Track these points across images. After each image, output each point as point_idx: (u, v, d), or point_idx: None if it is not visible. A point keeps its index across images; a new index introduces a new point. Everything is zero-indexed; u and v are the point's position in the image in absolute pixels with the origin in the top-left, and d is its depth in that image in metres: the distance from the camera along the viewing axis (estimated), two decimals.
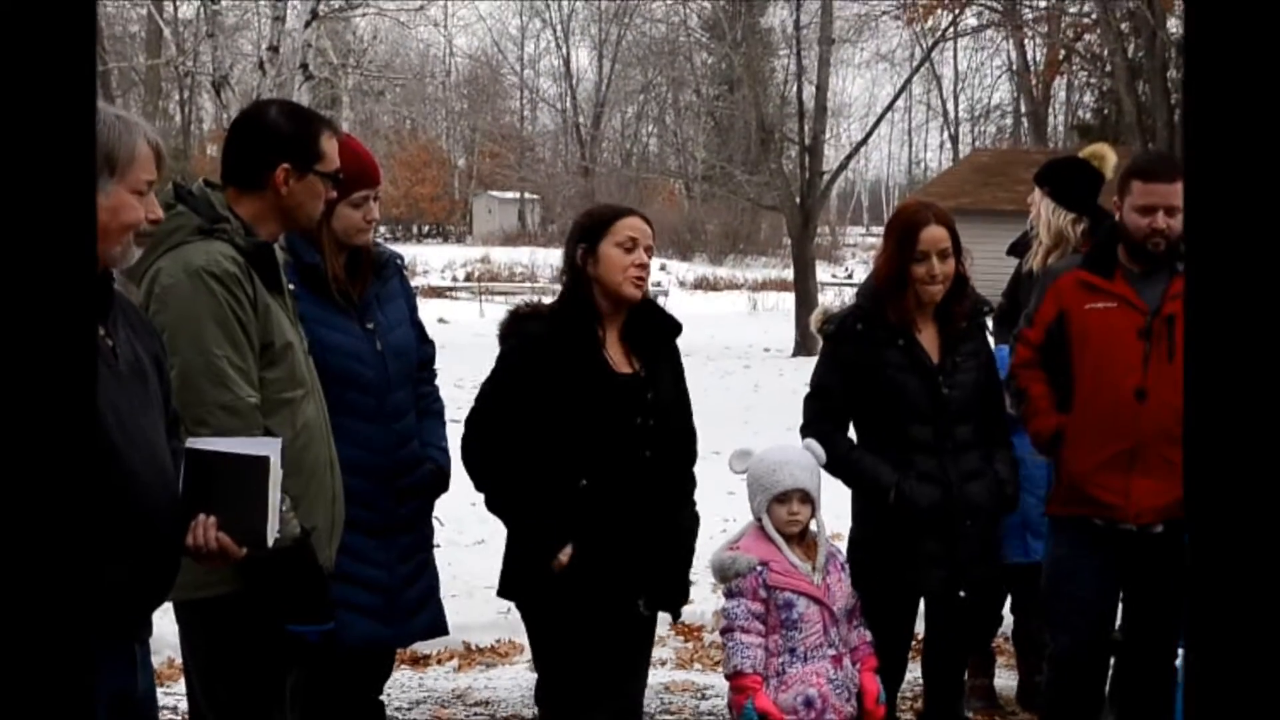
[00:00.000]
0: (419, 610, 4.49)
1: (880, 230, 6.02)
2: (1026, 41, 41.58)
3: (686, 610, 4.74)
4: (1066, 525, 4.84)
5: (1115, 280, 4.72)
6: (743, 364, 24.05)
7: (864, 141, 33.20)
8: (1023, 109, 51.02)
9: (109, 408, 2.70)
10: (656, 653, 6.36)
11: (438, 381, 4.77)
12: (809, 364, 5.63)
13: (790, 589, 4.47)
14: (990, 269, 8.59)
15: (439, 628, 4.59)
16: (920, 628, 5.16)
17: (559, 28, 63.07)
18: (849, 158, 32.17)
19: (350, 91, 28.18)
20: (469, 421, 4.38)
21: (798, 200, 28.11)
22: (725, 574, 4.55)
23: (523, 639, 4.66)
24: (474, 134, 62.79)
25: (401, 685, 6.27)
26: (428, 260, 45.62)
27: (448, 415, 4.74)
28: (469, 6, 54.83)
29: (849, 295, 7.87)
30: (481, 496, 4.45)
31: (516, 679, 6.33)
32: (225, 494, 3.06)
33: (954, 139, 63.18)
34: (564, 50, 63.27)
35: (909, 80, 36.31)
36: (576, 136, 60.68)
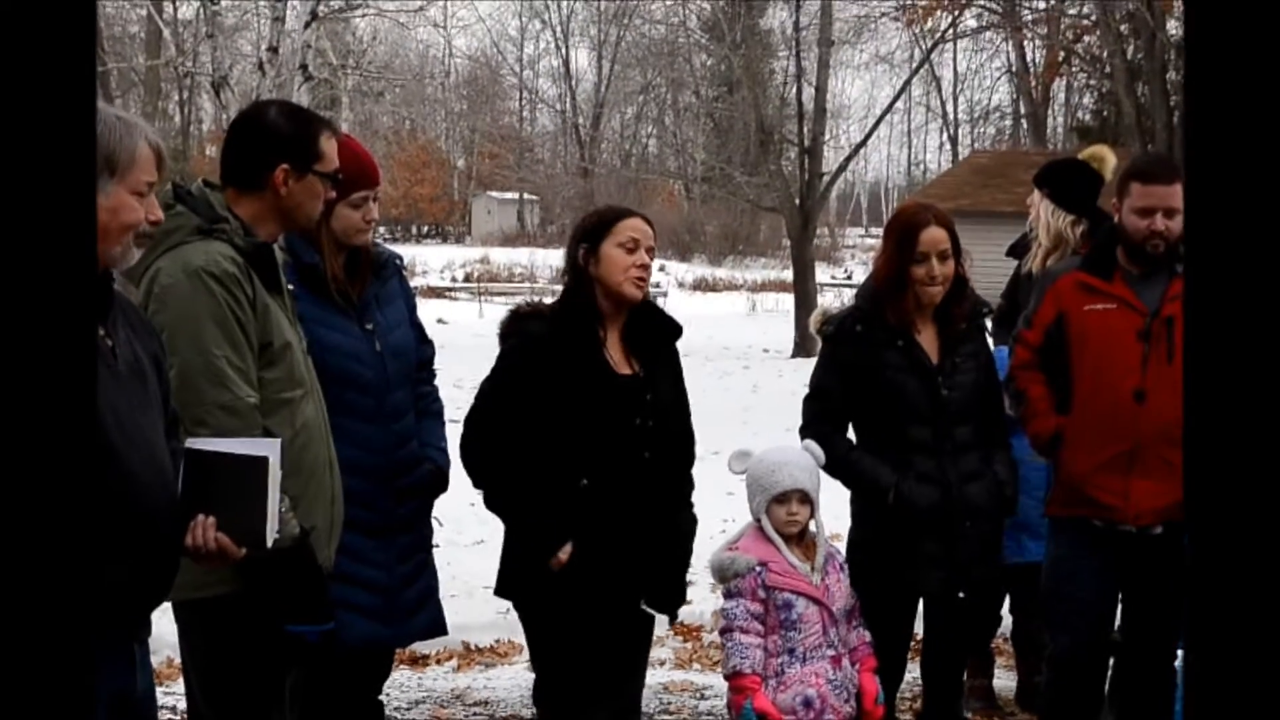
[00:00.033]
0: (418, 610, 4.49)
1: (879, 232, 6.02)
2: (1026, 43, 41.59)
3: (686, 610, 4.75)
4: (1066, 526, 4.84)
5: (1114, 282, 4.72)
6: (742, 365, 24.06)
7: (863, 143, 33.23)
8: (1022, 110, 51.03)
9: (108, 408, 2.70)
10: (655, 653, 6.37)
11: (437, 382, 4.77)
12: (808, 365, 5.63)
13: (789, 589, 4.47)
14: (989, 270, 8.59)
15: (438, 628, 4.59)
16: (919, 628, 5.15)
17: (558, 29, 63.17)
18: (848, 159, 32.19)
19: (350, 92, 28.15)
20: (468, 420, 4.38)
21: (797, 201, 28.11)
22: (724, 574, 4.55)
23: (522, 639, 4.66)
24: (473, 135, 62.80)
25: (401, 685, 6.27)
26: (427, 261, 45.62)
27: (447, 415, 4.74)
28: (468, 7, 54.94)
29: (848, 296, 7.86)
30: (480, 497, 4.46)
31: (516, 679, 6.33)
32: (224, 494, 3.06)
33: (953, 140, 63.21)
34: (563, 51, 63.36)
35: (908, 82, 36.32)
36: (576, 137, 60.71)
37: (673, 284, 41.38)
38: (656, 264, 4.42)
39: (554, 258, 45.43)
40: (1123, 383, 4.63)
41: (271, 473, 3.09)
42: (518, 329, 4.38)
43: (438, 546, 4.75)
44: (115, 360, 2.83)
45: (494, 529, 4.55)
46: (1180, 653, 4.88)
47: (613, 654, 4.39)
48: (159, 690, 4.71)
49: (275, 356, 3.71)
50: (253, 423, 3.57)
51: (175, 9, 38.93)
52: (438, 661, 6.66)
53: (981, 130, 61.76)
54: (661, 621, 4.67)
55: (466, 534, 8.19)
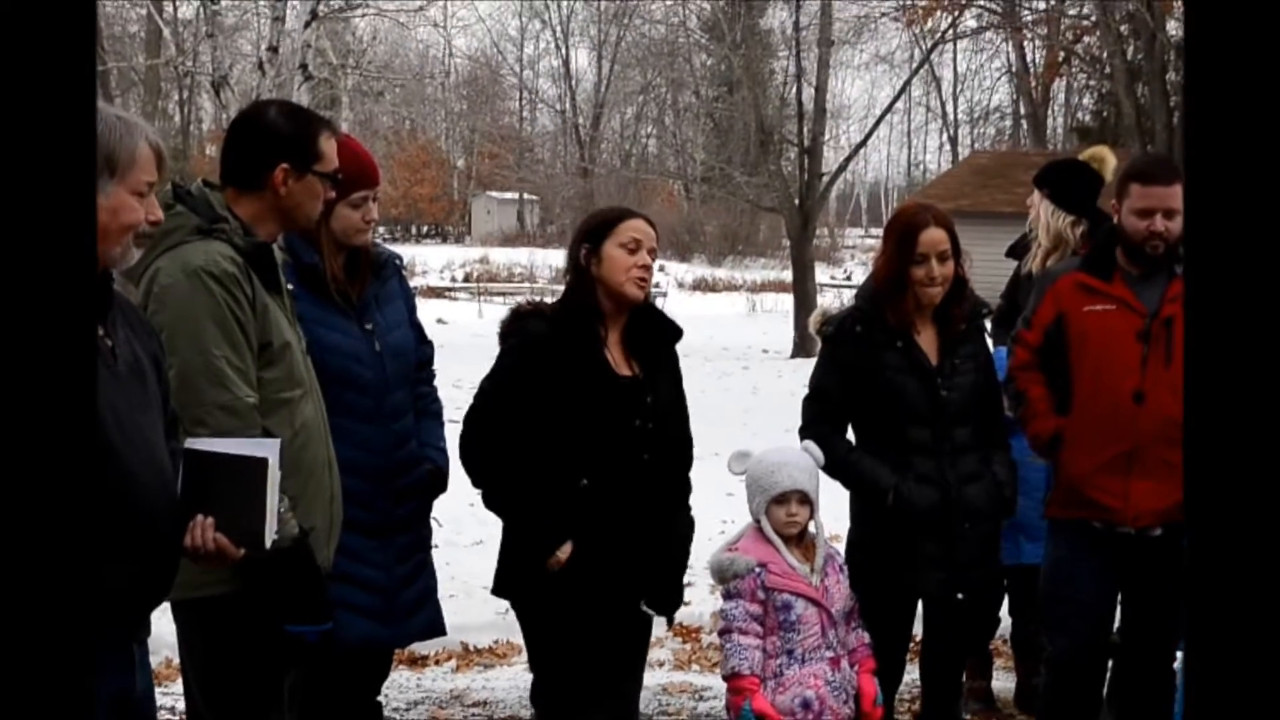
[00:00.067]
0: (417, 610, 4.49)
1: (879, 232, 6.02)
2: (1026, 44, 41.58)
3: (685, 612, 4.75)
4: (1065, 528, 4.84)
5: (1114, 283, 4.72)
6: (741, 365, 24.07)
7: (863, 143, 33.25)
8: (1022, 111, 51.04)
9: (108, 408, 2.70)
10: (654, 654, 6.38)
11: (436, 382, 4.77)
12: (807, 365, 5.63)
13: (788, 591, 4.47)
14: (989, 271, 8.59)
15: (437, 628, 4.59)
16: (918, 629, 5.15)
17: (558, 29, 63.15)
18: (848, 159, 32.20)
19: (349, 92, 28.15)
20: (468, 418, 4.38)
21: (797, 202, 28.12)
22: (724, 575, 4.55)
23: (520, 640, 4.65)
24: (473, 135, 62.78)
25: (399, 686, 6.27)
26: (426, 261, 45.62)
27: (446, 416, 4.75)
28: (468, 7, 54.90)
29: (848, 297, 7.86)
30: (479, 497, 4.46)
31: (514, 680, 6.33)
32: (223, 495, 3.06)
33: (953, 141, 63.22)
34: (563, 51, 63.35)
35: (908, 82, 36.34)
36: (575, 137, 60.70)
37: (672, 284, 41.37)
38: (656, 264, 4.42)
39: (553, 258, 45.48)
40: (1122, 384, 4.63)
41: (270, 473, 3.09)
42: (518, 328, 4.38)
43: (436, 547, 4.75)
44: (115, 360, 2.83)
45: (493, 529, 4.54)
46: (1179, 654, 4.88)
47: (611, 655, 4.39)
48: (158, 690, 4.71)
49: (274, 356, 3.71)
50: (252, 423, 3.57)
51: (175, 8, 38.92)
52: (436, 662, 6.66)
53: (981, 131, 61.79)
54: (660, 623, 4.67)
55: (465, 534, 8.19)
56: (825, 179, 29.22)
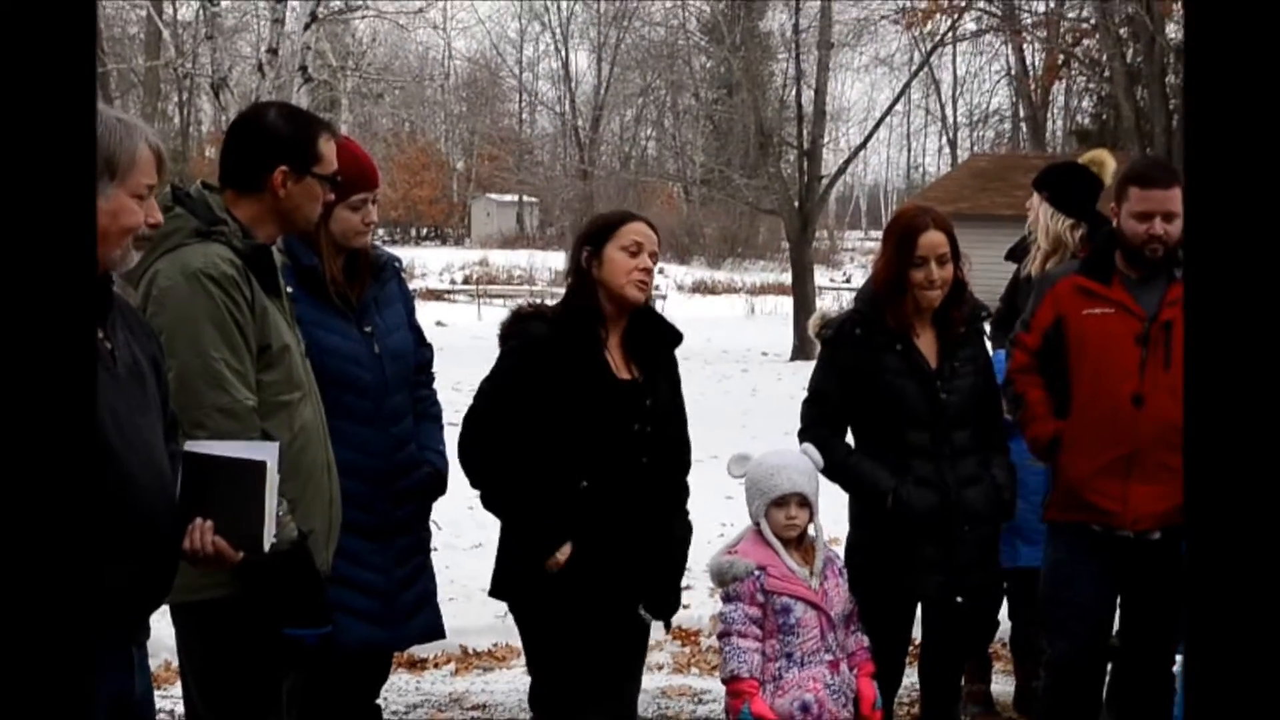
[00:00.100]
0: (416, 613, 4.48)
1: (878, 235, 6.01)
2: (1025, 46, 41.63)
3: (684, 615, 4.75)
4: (1064, 531, 4.84)
5: (1113, 286, 4.72)
6: (740, 368, 24.08)
7: (862, 146, 33.24)
8: (1021, 114, 51.05)
9: (107, 410, 2.70)
10: (654, 657, 6.38)
11: (435, 385, 4.77)
12: (807, 368, 5.63)
13: (788, 594, 4.47)
14: (989, 274, 8.58)
15: (436, 631, 4.59)
16: (917, 633, 5.15)
17: (558, 31, 63.17)
18: (847, 162, 32.20)
19: (349, 94, 28.15)
20: (467, 419, 4.38)
21: (796, 204, 28.13)
22: (723, 578, 4.55)
23: (519, 643, 4.65)
24: (472, 137, 62.76)
25: (399, 689, 6.27)
26: (426, 263, 45.65)
27: (445, 418, 4.74)
28: (468, 9, 54.94)
29: (847, 300, 7.87)
30: (479, 501, 4.45)
31: (513, 683, 6.33)
32: (222, 498, 3.06)
33: (952, 144, 63.19)
34: (563, 53, 63.35)
35: (908, 85, 36.34)
36: (575, 139, 60.68)
37: (671, 286, 41.38)
38: (655, 267, 4.42)
39: (553, 260, 45.49)
40: (1121, 387, 4.63)
41: (269, 476, 3.09)
42: (519, 330, 4.38)
43: (436, 550, 4.75)
44: (114, 363, 2.82)
45: (492, 532, 4.54)
46: (1179, 657, 4.88)
47: (609, 658, 4.39)
48: (157, 693, 4.71)
49: (273, 359, 3.71)
50: (251, 425, 3.57)
51: (175, 10, 38.94)
52: (435, 665, 6.66)
53: (981, 133, 61.78)
54: (658, 626, 4.67)
55: (465, 537, 8.19)
56: (825, 181, 29.23)
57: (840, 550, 4.89)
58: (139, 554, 2.82)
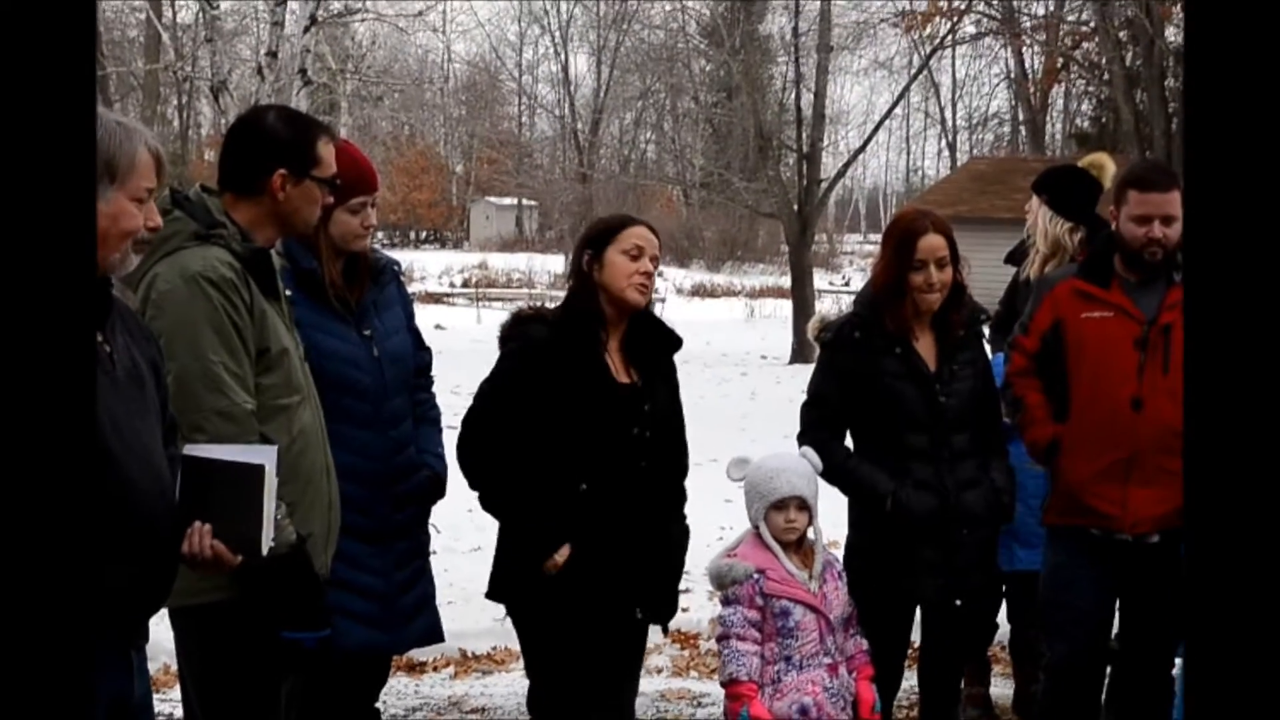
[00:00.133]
0: (415, 617, 4.48)
1: (878, 238, 6.03)
2: (1024, 50, 41.61)
3: (683, 618, 4.75)
4: (1064, 535, 4.84)
5: (1112, 290, 4.72)
6: (740, 371, 24.06)
7: (862, 149, 33.21)
8: (1020, 117, 51.06)
9: (106, 414, 2.70)
10: (653, 660, 6.37)
11: (434, 388, 4.77)
12: (806, 371, 5.63)
13: (787, 597, 4.47)
14: (988, 277, 8.56)
15: (435, 634, 4.58)
16: (916, 635, 5.15)
17: (557, 34, 63.08)
18: (847, 165, 32.20)
19: (349, 97, 28.17)
20: (466, 420, 4.38)
21: (795, 207, 28.12)
22: (722, 581, 4.54)
23: (518, 646, 4.65)
24: (472, 140, 62.75)
25: (398, 692, 6.27)
26: (425, 266, 45.66)
27: (444, 421, 4.74)
28: (468, 13, 55.05)
29: (846, 303, 7.85)
30: (478, 504, 4.46)
31: (512, 686, 6.33)
32: (220, 501, 3.06)
33: (952, 147, 63.17)
34: (562, 56, 63.24)
35: (907, 88, 36.33)
36: (574, 143, 60.63)
37: (671, 290, 41.38)
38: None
39: (552, 263, 45.49)
40: (1120, 391, 4.63)
41: (267, 480, 3.09)
42: (519, 332, 4.39)
43: (435, 553, 4.75)
44: (113, 367, 2.82)
45: (491, 536, 4.54)
46: (1178, 661, 4.88)
47: (607, 661, 4.39)
48: (156, 697, 4.71)
49: (272, 362, 3.71)
50: (249, 429, 3.56)
51: (174, 13, 38.94)
52: (435, 668, 6.65)
53: (980, 137, 61.77)
54: (656, 629, 4.67)
55: (464, 540, 8.19)
56: (824, 185, 29.21)
57: (839, 553, 4.89)
58: (138, 557, 2.82)
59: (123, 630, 2.89)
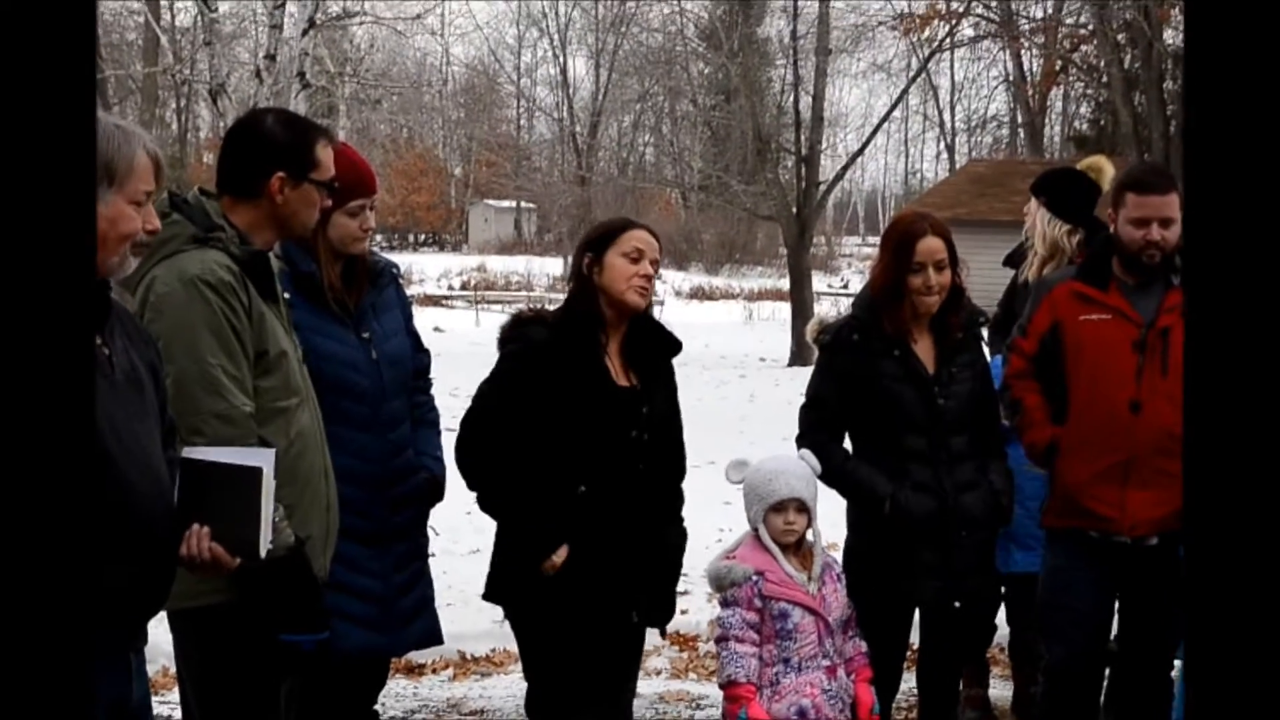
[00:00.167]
0: (414, 619, 4.48)
1: (876, 240, 6.03)
2: (1023, 52, 41.64)
3: (682, 620, 4.75)
4: (1062, 537, 4.85)
5: (1110, 292, 4.73)
6: (738, 374, 24.06)
7: (860, 151, 33.24)
8: (1019, 120, 51.04)
9: (105, 417, 2.70)
10: (651, 662, 6.37)
11: (433, 390, 4.77)
12: (804, 374, 5.63)
13: (785, 599, 4.47)
14: (986, 279, 8.55)
15: (434, 637, 4.58)
16: (915, 637, 5.15)
17: (556, 37, 63.03)
18: (845, 168, 32.23)
19: (347, 100, 28.14)
20: (465, 420, 4.38)
21: (794, 210, 28.13)
22: (721, 583, 4.55)
23: (517, 648, 4.65)
24: (470, 143, 62.78)
25: (396, 694, 6.27)
26: (424, 269, 45.70)
27: (443, 424, 4.74)
28: (466, 15, 55.05)
29: (845, 305, 7.87)
30: (476, 506, 4.46)
31: (511, 688, 6.33)
32: (218, 504, 3.06)
33: (950, 149, 63.17)
34: (561, 59, 63.18)
35: (905, 91, 36.32)
36: (573, 145, 60.60)
37: (670, 292, 41.39)
38: None
39: (551, 266, 45.52)
40: (1118, 394, 4.63)
41: (265, 483, 3.09)
42: (519, 334, 4.40)
43: (433, 555, 4.75)
44: (112, 370, 2.82)
45: (490, 538, 4.54)
46: (1177, 663, 4.88)
47: (604, 663, 4.39)
48: (155, 699, 4.71)
49: (271, 365, 3.71)
50: (248, 431, 3.56)
51: (173, 16, 38.97)
52: (434, 671, 6.65)
53: (978, 139, 61.78)
54: (654, 632, 4.67)
55: (462, 543, 8.19)
56: (822, 187, 29.23)
57: (838, 555, 4.89)
58: (137, 560, 2.82)
59: (122, 633, 2.89)
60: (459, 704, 6.23)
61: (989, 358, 5.19)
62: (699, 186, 39.71)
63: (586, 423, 4.27)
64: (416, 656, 6.38)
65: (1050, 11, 35.19)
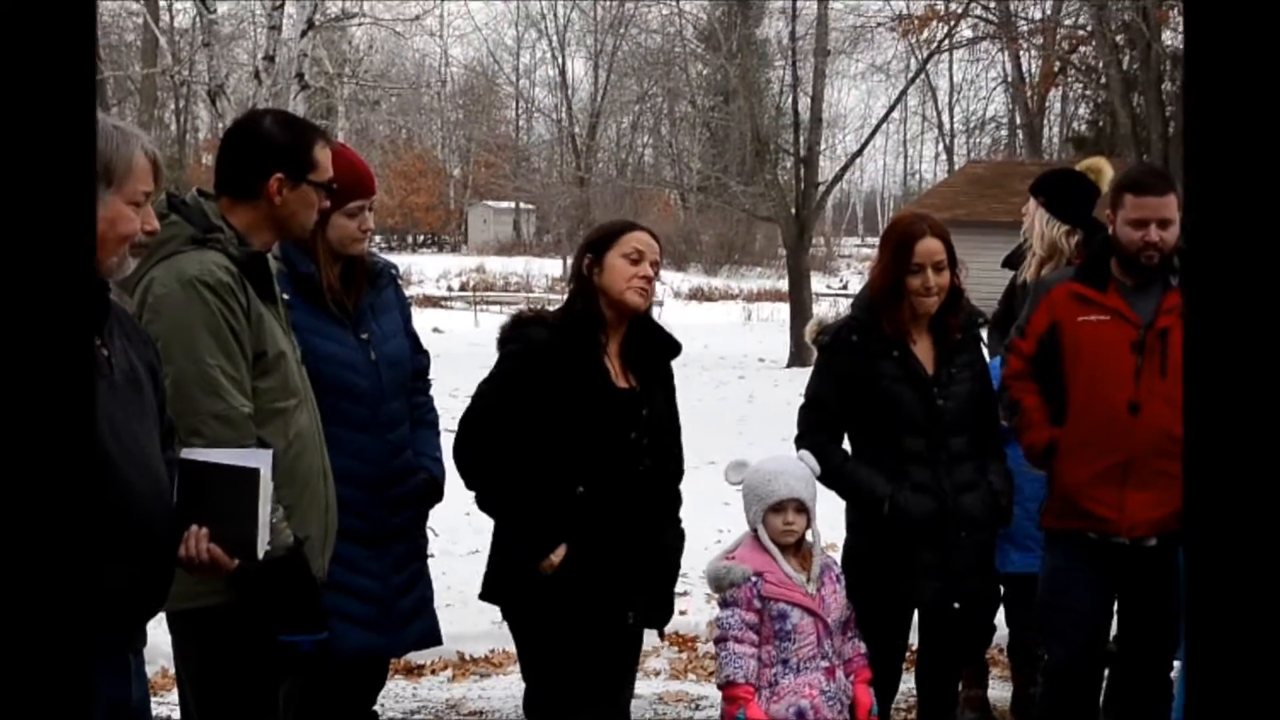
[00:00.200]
0: (413, 620, 4.48)
1: (875, 241, 6.03)
2: (1022, 53, 41.63)
3: (681, 621, 4.75)
4: (1061, 538, 4.85)
5: (1108, 293, 4.73)
6: (737, 374, 24.05)
7: (859, 153, 33.22)
8: (1018, 121, 51.01)
9: (104, 418, 2.70)
10: (651, 663, 6.37)
11: (432, 391, 4.77)
12: (803, 375, 5.63)
13: (785, 600, 4.47)
14: (985, 281, 8.57)
15: (433, 637, 4.58)
16: (914, 638, 5.15)
17: (555, 38, 63.07)
18: (844, 169, 32.20)
19: (346, 101, 28.16)
20: (464, 420, 4.38)
21: (793, 211, 28.12)
22: (720, 584, 4.55)
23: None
24: (469, 144, 62.75)
25: (395, 695, 6.26)
26: (423, 270, 45.70)
27: (442, 425, 4.74)
28: (465, 17, 55.02)
29: (844, 306, 7.87)
30: (475, 507, 4.46)
31: (510, 689, 6.32)
32: (216, 505, 3.06)
33: (949, 151, 63.16)
34: (560, 60, 63.23)
35: (904, 92, 36.32)
36: (572, 147, 60.62)
37: (669, 293, 41.39)
38: None
39: (549, 267, 45.51)
40: (1117, 395, 4.63)
41: (263, 484, 3.09)
42: (519, 334, 4.40)
43: (433, 556, 4.75)
44: (111, 370, 2.82)
45: (489, 539, 4.55)
46: (1176, 664, 4.88)
47: (602, 664, 4.39)
48: (154, 700, 4.70)
49: (269, 366, 3.71)
50: (247, 432, 3.56)
51: (172, 17, 38.98)
52: (433, 671, 6.65)
53: (977, 140, 61.79)
54: (653, 632, 4.68)
55: (461, 544, 8.18)
56: (821, 188, 29.21)
57: (837, 556, 4.89)
58: (137, 560, 2.82)
59: (121, 633, 2.88)
60: (458, 705, 6.22)
61: (988, 359, 5.19)
62: (698, 187, 39.72)
63: (586, 424, 4.28)
64: (415, 657, 6.38)
65: (1049, 13, 35.20)
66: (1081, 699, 4.91)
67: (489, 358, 4.49)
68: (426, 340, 4.96)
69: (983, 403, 4.89)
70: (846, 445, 4.93)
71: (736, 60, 30.73)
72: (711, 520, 7.12)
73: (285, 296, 3.96)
